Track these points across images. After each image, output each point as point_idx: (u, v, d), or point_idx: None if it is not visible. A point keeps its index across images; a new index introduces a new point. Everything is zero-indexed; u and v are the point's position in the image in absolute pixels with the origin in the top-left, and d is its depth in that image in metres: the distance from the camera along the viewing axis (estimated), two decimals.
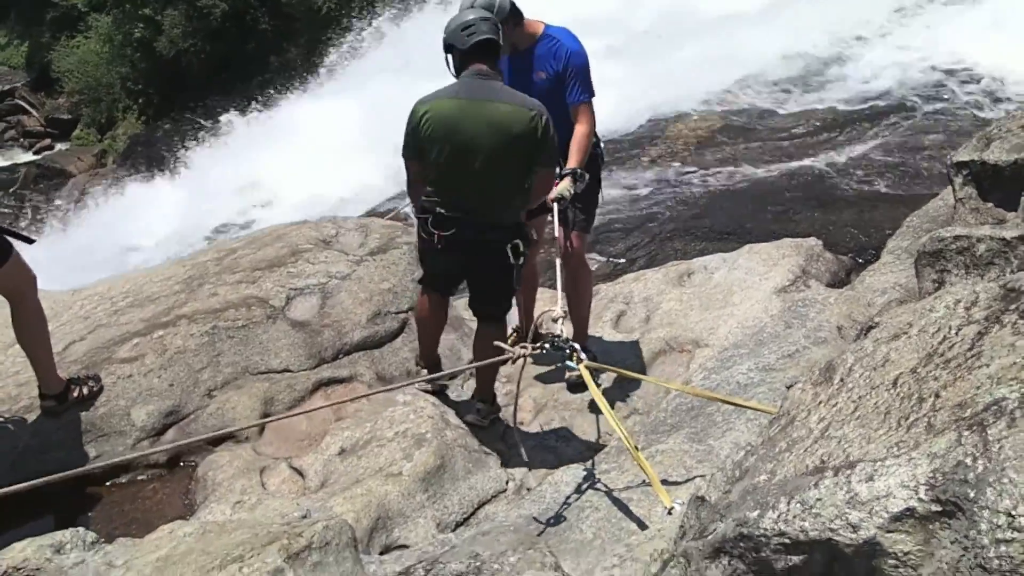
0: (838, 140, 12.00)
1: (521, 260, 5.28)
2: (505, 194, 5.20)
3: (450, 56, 5.23)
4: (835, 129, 12.39)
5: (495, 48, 5.14)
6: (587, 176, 5.53)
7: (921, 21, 15.26)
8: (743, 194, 10.70)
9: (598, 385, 4.75)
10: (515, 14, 5.64)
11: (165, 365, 5.94)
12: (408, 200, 5.54)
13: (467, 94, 5.01)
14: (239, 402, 5.82)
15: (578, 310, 6.13)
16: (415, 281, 5.95)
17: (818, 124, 12.67)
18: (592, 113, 5.71)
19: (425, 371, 5.94)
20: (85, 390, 5.64)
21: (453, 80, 5.21)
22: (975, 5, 14.96)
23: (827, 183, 10.73)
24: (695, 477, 4.34)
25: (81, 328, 6.43)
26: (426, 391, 5.88)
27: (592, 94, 5.73)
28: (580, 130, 5.59)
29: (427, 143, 5.05)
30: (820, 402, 2.80)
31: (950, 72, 13.38)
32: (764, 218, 9.84)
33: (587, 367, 4.55)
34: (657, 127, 13.11)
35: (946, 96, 12.80)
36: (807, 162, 11.41)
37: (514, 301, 5.73)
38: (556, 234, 5.34)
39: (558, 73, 5.66)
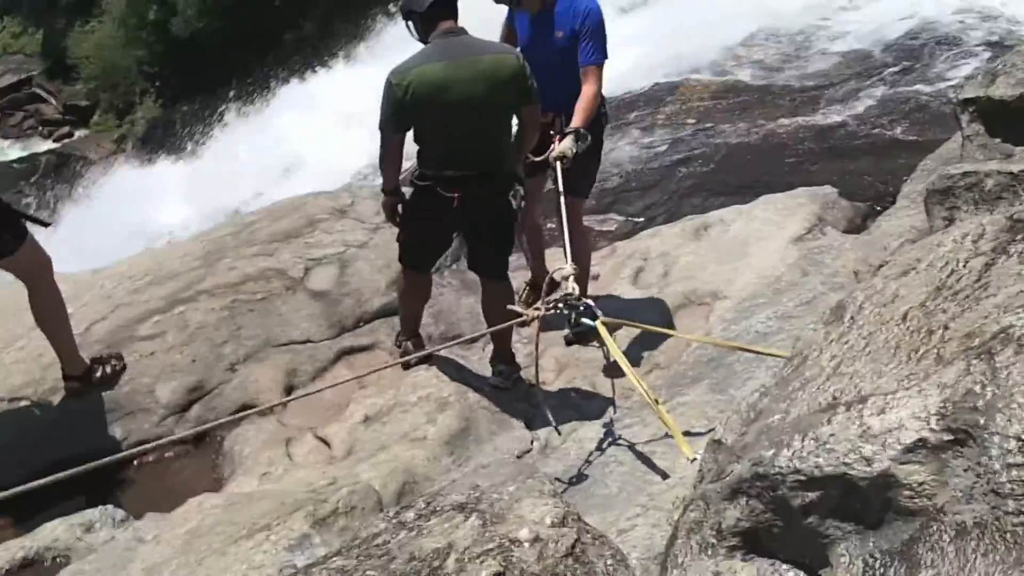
0: (853, 89, 11.91)
1: (521, 204, 5.30)
2: (504, 141, 5.27)
3: (410, 23, 5.20)
4: (851, 78, 12.29)
5: (452, 4, 5.11)
6: (589, 137, 5.52)
7: None
8: (759, 148, 10.65)
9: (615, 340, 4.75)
10: None
11: (187, 341, 5.99)
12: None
13: (449, 55, 4.99)
14: (262, 374, 5.87)
15: (579, 261, 6.12)
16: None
17: (833, 74, 12.58)
18: (601, 75, 5.67)
19: (410, 344, 5.94)
20: (108, 369, 5.70)
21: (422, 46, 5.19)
22: None
23: (843, 133, 10.67)
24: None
25: (103, 308, 6.47)
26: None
27: (605, 56, 5.70)
28: (587, 91, 5.56)
29: (418, 111, 5.02)
30: (831, 340, 2.80)
31: (966, 13, 13.23)
32: (780, 170, 9.79)
33: (604, 323, 4.55)
34: (672, 84, 13.04)
35: (963, 38, 12.67)
36: (823, 112, 11.35)
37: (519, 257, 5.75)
38: (559, 190, 5.35)
39: (575, 31, 5.63)
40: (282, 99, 21.51)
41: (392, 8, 21.72)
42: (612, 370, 4.91)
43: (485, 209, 5.28)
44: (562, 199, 5.36)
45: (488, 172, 5.17)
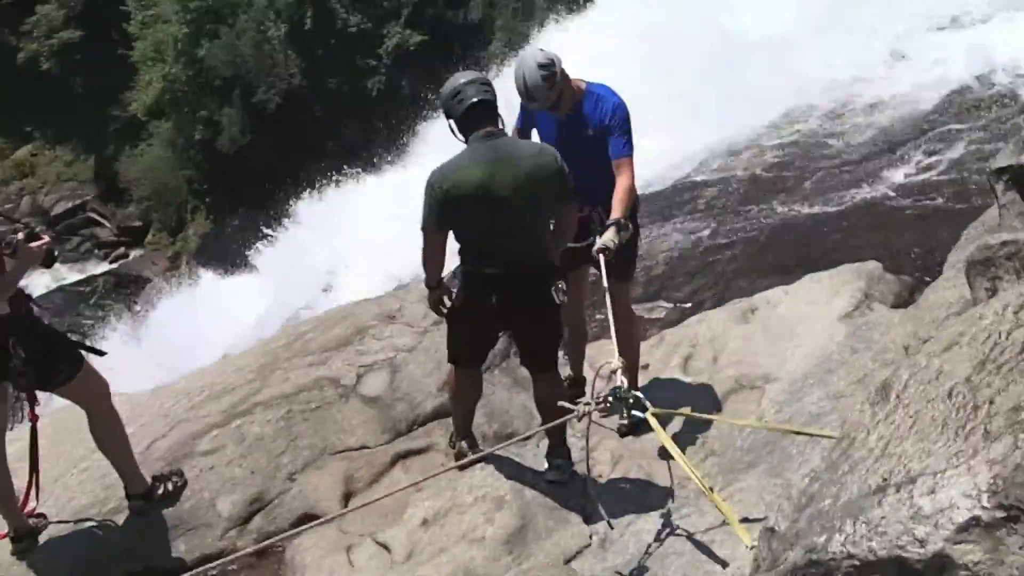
0: (893, 160, 11.91)
1: (564, 299, 5.35)
2: (543, 238, 5.35)
3: (451, 123, 5.33)
4: (890, 150, 12.29)
5: (490, 107, 5.21)
6: (631, 227, 5.62)
7: (969, 34, 15.10)
8: (802, 226, 10.66)
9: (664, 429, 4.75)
10: (563, 76, 5.76)
11: (245, 453, 6.06)
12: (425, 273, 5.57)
13: (488, 157, 5.09)
14: (320, 483, 5.90)
15: (628, 350, 6.16)
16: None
17: (872, 147, 12.59)
18: (633, 166, 5.79)
19: (465, 444, 5.95)
20: (170, 486, 5.77)
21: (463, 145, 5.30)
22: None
23: (886, 205, 10.65)
24: None
25: (162, 426, 6.56)
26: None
27: (632, 148, 5.82)
28: (623, 183, 5.66)
29: (458, 211, 5.13)
30: (878, 421, 2.80)
31: (1007, 79, 13.21)
32: (824, 247, 9.78)
33: (654, 414, 4.56)
34: (711, 167, 13.12)
35: (1006, 104, 12.65)
36: (864, 186, 11.34)
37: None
38: (604, 283, 5.42)
39: (605, 126, 5.76)
40: (327, 207, 21.80)
41: (432, 113, 22.11)
42: (667, 459, 4.91)
43: (528, 305, 5.33)
44: (609, 289, 5.43)
45: (528, 268, 5.24)
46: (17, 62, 34.38)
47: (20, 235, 4.98)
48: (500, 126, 5.23)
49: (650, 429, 4.70)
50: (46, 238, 5.14)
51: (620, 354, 5.02)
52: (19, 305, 5.07)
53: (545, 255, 5.33)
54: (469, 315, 5.46)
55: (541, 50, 5.85)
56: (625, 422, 5.97)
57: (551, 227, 5.43)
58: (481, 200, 5.07)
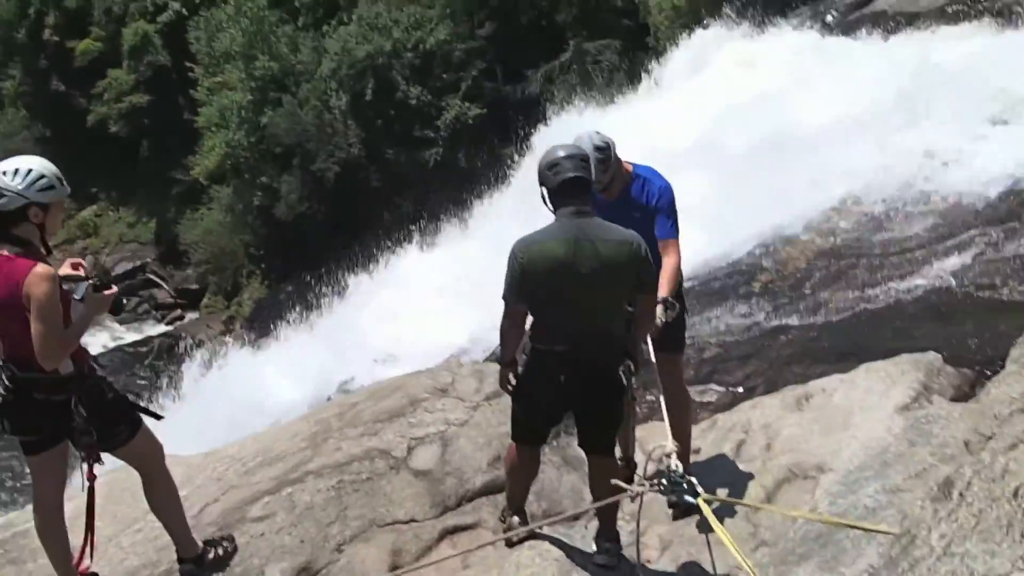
0: (953, 249, 11.78)
1: (633, 381, 5.35)
2: (617, 321, 5.34)
3: (544, 191, 5.38)
4: (949, 238, 12.16)
5: (584, 184, 5.26)
6: (678, 305, 5.67)
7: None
8: (859, 313, 10.58)
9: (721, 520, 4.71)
10: (616, 160, 5.85)
11: (295, 522, 6.07)
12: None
13: (573, 235, 5.12)
14: (368, 555, 5.90)
15: (681, 431, 6.14)
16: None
17: (931, 235, 12.47)
18: (679, 247, 5.91)
19: (516, 520, 5.93)
20: (221, 551, 5.80)
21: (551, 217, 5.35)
22: None
23: (946, 295, 10.55)
24: None
25: (214, 490, 6.60)
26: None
27: (679, 230, 5.97)
28: (670, 262, 5.81)
29: (536, 285, 5.16)
30: (940, 519, 2.77)
31: None
32: (882, 336, 9.69)
33: (706, 500, 4.53)
34: (765, 252, 13.06)
35: None
36: (923, 274, 11.24)
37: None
38: (653, 361, 5.44)
39: (652, 209, 5.90)
40: (381, 276, 21.98)
41: (487, 187, 22.31)
42: (717, 547, 4.86)
43: (596, 387, 5.33)
44: (659, 363, 5.46)
45: (599, 351, 5.25)
46: (87, 124, 35.20)
47: (89, 282, 5.08)
48: (591, 204, 5.26)
49: (701, 514, 4.67)
50: (114, 288, 5.23)
51: (673, 436, 5.01)
52: (82, 363, 5.15)
53: (618, 339, 5.33)
54: (535, 393, 5.48)
55: (597, 132, 5.96)
56: (677, 506, 5.95)
57: (628, 313, 5.44)
58: (559, 277, 5.11)
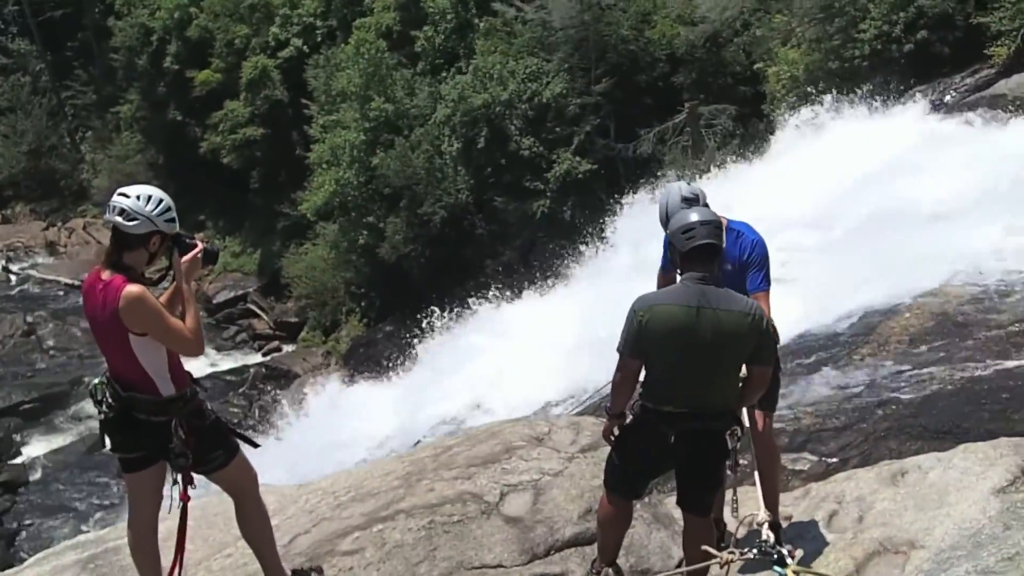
0: None
1: (738, 444, 5.40)
2: (729, 388, 5.41)
3: (671, 248, 5.46)
4: None
5: (715, 251, 5.34)
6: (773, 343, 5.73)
7: None
8: (959, 392, 10.42)
9: None
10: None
11: (384, 559, 6.17)
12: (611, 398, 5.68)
13: (693, 301, 5.20)
14: None
15: (769, 485, 6.17)
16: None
17: None
18: (769, 300, 5.98)
19: (610, 571, 5.97)
20: None
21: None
22: None
23: None
24: None
25: (306, 521, 6.75)
26: None
27: (770, 283, 6.07)
28: None
29: (651, 345, 5.25)
30: None
31: None
32: (980, 417, 9.55)
33: (796, 572, 4.56)
34: (867, 324, 12.94)
35: None
36: None
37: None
38: (744, 421, 5.50)
39: (742, 263, 6.01)
40: (479, 325, 22.12)
41: (584, 248, 22.38)
42: None
43: (700, 447, 5.40)
44: (750, 420, 5.51)
45: (709, 414, 5.33)
46: (199, 153, 36.06)
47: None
48: (717, 272, 5.35)
49: None
50: (198, 243, 5.38)
51: (766, 505, 5.04)
52: (184, 387, 5.31)
53: (728, 403, 5.40)
54: (639, 448, 5.56)
55: (688, 184, 6.07)
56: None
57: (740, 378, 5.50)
58: (678, 341, 5.20)
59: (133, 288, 4.99)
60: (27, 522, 22.82)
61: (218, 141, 35.16)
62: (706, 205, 5.98)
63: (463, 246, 26.82)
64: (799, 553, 5.63)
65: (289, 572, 5.87)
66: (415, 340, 23.41)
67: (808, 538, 6.52)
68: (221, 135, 35.04)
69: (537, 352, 17.11)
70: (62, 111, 47.88)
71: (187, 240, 5.32)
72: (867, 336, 12.50)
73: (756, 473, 5.56)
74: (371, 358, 25.57)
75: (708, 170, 21.37)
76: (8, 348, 31.95)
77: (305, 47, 34.04)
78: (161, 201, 5.12)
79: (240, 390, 27.82)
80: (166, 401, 5.22)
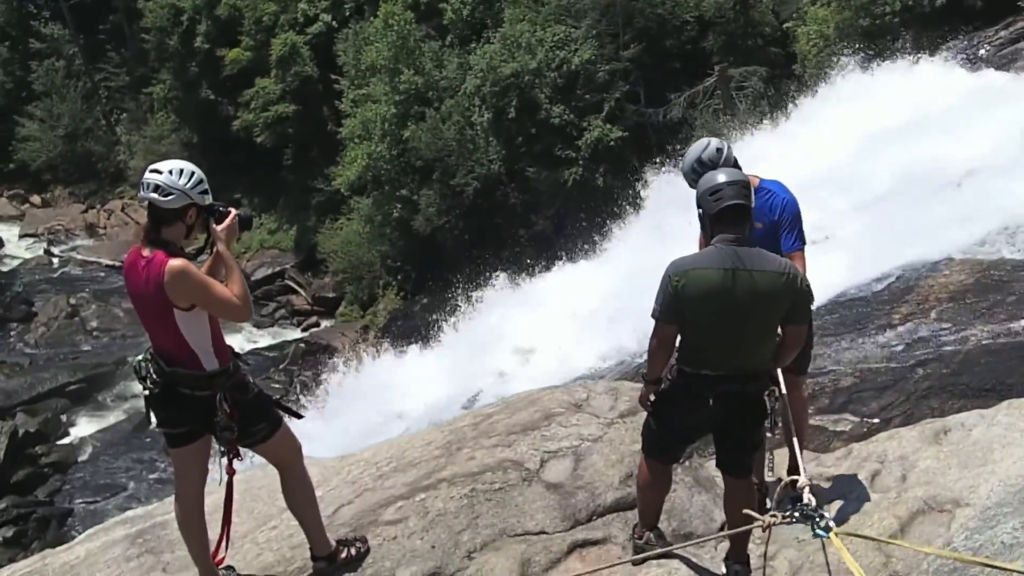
0: None
1: (776, 405, 5.38)
2: (765, 348, 5.37)
3: (701, 213, 5.42)
4: None
5: (744, 212, 5.27)
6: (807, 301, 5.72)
7: None
8: (1001, 350, 10.32)
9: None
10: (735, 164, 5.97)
11: (427, 527, 6.18)
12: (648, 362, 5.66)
13: (727, 263, 5.15)
14: (497, 564, 5.96)
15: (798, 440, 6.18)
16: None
17: None
18: (804, 260, 5.98)
19: (651, 535, 5.96)
20: (353, 551, 5.92)
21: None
22: None
23: None
24: None
25: (349, 492, 6.77)
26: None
27: (804, 242, 6.07)
28: None
29: (687, 310, 5.21)
30: None
31: None
32: (1023, 372, 9.48)
33: (838, 534, 4.53)
34: (907, 283, 12.84)
35: None
36: None
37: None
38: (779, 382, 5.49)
39: (773, 223, 6.01)
40: (514, 294, 22.15)
41: (620, 210, 22.30)
42: None
43: (739, 409, 5.38)
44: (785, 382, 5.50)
45: (746, 375, 5.31)
46: (232, 131, 36.22)
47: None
48: (748, 232, 5.30)
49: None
50: (231, 210, 5.39)
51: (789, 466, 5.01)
52: (227, 360, 5.33)
53: (765, 364, 5.37)
54: (676, 413, 5.54)
55: (716, 142, 6.06)
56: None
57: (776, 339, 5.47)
58: (714, 304, 5.16)
59: (176, 262, 5.01)
60: (77, 501, 23.18)
61: (250, 119, 35.36)
62: (736, 164, 5.94)
63: (496, 217, 26.83)
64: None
65: (334, 542, 5.90)
66: (451, 312, 23.47)
67: (851, 498, 6.48)
68: (253, 113, 35.23)
69: (571, 320, 17.10)
70: (96, 94, 48.36)
71: (220, 209, 5.33)
72: (906, 295, 12.39)
73: (795, 437, 5.51)
74: (408, 331, 25.68)
75: (739, 131, 21.22)
76: (53, 330, 32.34)
77: (333, 22, 34.11)
78: (193, 174, 5.14)
79: (281, 366, 28.06)
80: (210, 375, 5.24)
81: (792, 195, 6.11)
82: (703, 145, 6.13)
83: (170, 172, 5.08)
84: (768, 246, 5.68)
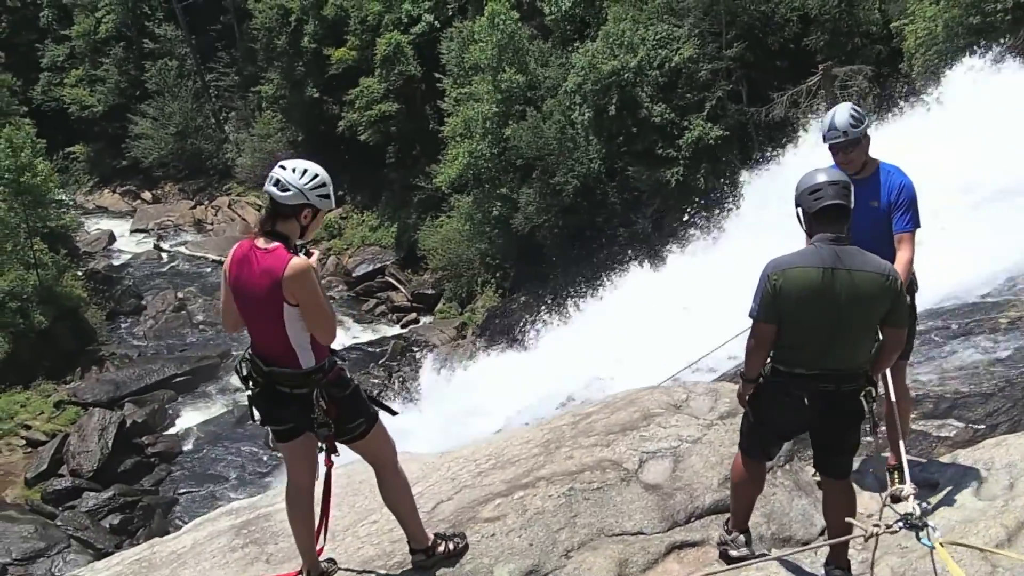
0: None
1: (874, 406, 5.32)
2: (863, 348, 5.32)
3: (800, 212, 5.38)
4: None
5: (844, 212, 5.23)
6: (908, 299, 5.65)
7: None
8: None
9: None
10: (867, 137, 6.14)
11: (525, 525, 6.20)
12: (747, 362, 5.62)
13: (827, 263, 5.12)
14: (595, 563, 5.96)
15: (901, 426, 6.10)
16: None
17: None
18: (914, 242, 6.02)
19: (741, 537, 5.92)
20: (451, 546, 5.96)
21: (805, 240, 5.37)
22: None
23: None
24: None
25: (448, 489, 6.83)
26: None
27: (918, 224, 6.10)
28: (904, 256, 5.95)
29: (787, 309, 5.18)
30: None
31: None
32: None
33: (944, 544, 4.46)
34: (1017, 287, 12.57)
35: None
36: None
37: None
38: (880, 387, 5.44)
39: (890, 203, 6.07)
40: (613, 293, 22.12)
41: (721, 210, 22.13)
42: None
43: (836, 410, 5.33)
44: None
45: (845, 376, 5.25)
46: (337, 130, 36.72)
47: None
48: (847, 231, 5.26)
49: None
50: (314, 252, 5.42)
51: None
52: (323, 357, 5.41)
53: (861, 366, 5.31)
54: (772, 411, 5.51)
55: (852, 106, 6.17)
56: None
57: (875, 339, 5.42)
58: (812, 303, 5.12)
59: (302, 259, 5.14)
60: (181, 491, 23.73)
61: (355, 118, 35.83)
62: (865, 135, 6.09)
63: (596, 215, 26.79)
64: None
65: (432, 536, 5.95)
66: (549, 311, 23.50)
67: (956, 506, 6.37)
68: (357, 112, 35.70)
69: (669, 320, 17.01)
70: (206, 93, 49.51)
71: (308, 250, 5.44)
72: (1016, 299, 12.12)
73: (892, 436, 5.44)
74: (506, 328, 25.80)
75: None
76: (161, 323, 33.21)
77: (436, 22, 34.37)
78: (316, 176, 5.24)
79: (380, 361, 28.36)
80: (306, 373, 5.32)
81: (910, 179, 6.18)
82: (848, 104, 6.24)
83: (293, 170, 5.21)
84: (882, 227, 5.85)
